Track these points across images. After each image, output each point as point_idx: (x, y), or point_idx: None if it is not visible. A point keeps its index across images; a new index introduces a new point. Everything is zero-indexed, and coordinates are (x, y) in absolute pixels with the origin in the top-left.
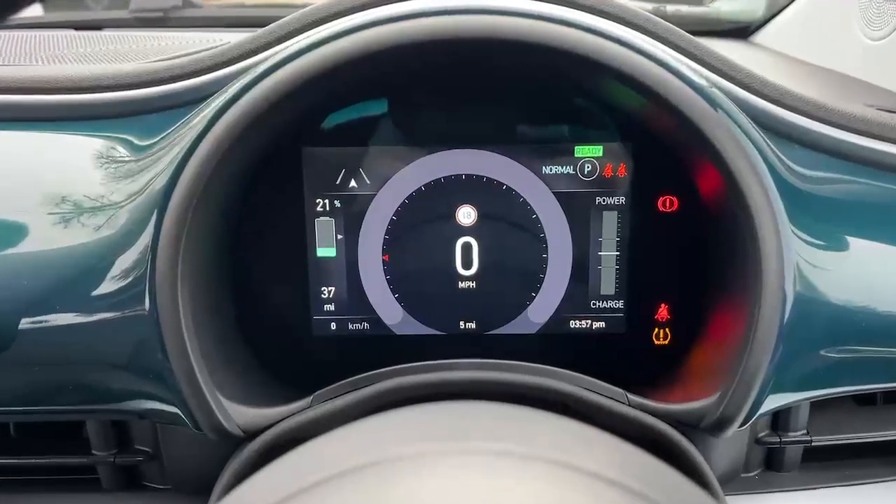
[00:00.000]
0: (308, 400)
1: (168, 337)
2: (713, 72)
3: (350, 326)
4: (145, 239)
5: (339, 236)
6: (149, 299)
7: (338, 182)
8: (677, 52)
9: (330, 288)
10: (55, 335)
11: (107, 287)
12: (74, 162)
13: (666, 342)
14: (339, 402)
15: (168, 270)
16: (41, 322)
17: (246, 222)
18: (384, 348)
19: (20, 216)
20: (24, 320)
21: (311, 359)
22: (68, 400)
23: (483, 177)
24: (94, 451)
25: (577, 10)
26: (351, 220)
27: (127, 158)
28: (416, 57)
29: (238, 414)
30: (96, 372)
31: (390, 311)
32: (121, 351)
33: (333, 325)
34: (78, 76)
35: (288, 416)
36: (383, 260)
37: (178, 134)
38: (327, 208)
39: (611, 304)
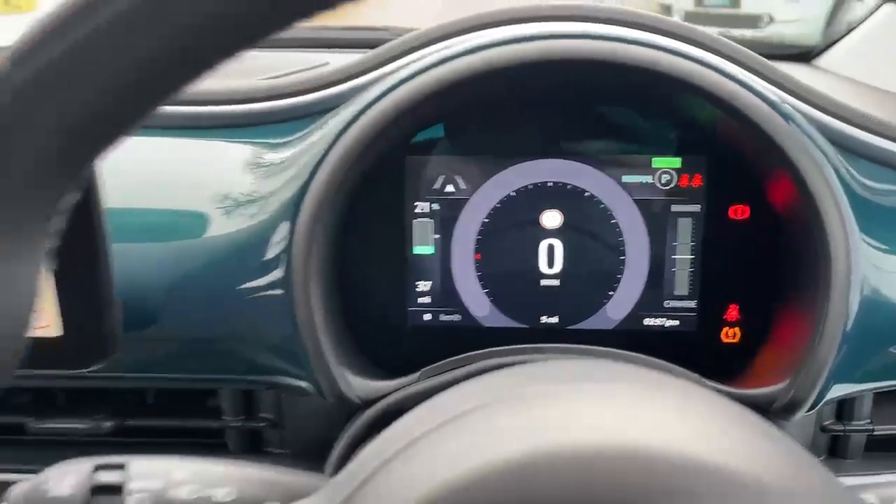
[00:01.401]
0: (416, 375)
1: (301, 317)
2: (783, 90)
3: (442, 318)
4: (283, 232)
5: (436, 236)
6: (285, 285)
7: (436, 187)
8: (752, 73)
9: (426, 282)
10: (204, 312)
11: (249, 273)
12: (230, 161)
13: (734, 340)
14: (448, 377)
15: (303, 260)
16: (192, 302)
17: (353, 220)
18: (472, 339)
19: (179, 208)
20: (175, 300)
21: (405, 347)
22: (210, 369)
23: (567, 184)
24: (224, 417)
25: (671, 38)
26: (447, 221)
27: (271, 160)
28: (532, 75)
29: (358, 385)
30: (236, 346)
31: (479, 305)
32: (258, 328)
33: (427, 316)
34: (236, 90)
35: (400, 388)
36: (475, 258)
37: (311, 140)
38: (426, 210)
39: (684, 303)
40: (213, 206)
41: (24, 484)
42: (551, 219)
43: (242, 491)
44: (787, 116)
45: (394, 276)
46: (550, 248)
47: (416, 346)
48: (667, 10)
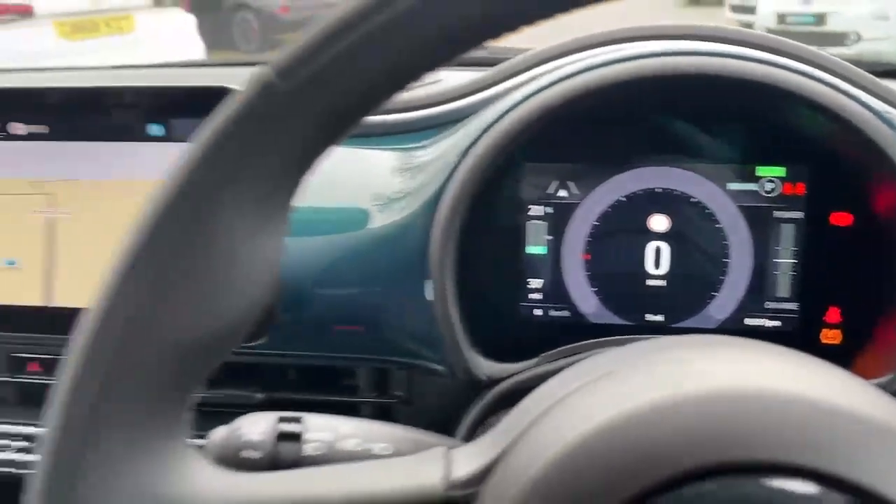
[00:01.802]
0: (534, 360)
1: (438, 304)
2: (888, 104)
3: (551, 313)
4: (423, 228)
5: (548, 237)
6: (425, 275)
7: (550, 191)
8: (858, 87)
9: (537, 280)
10: (354, 298)
11: (394, 263)
12: (380, 166)
13: (835, 342)
14: (566, 362)
15: (439, 257)
16: (344, 289)
17: (473, 219)
18: (579, 333)
19: (345, 206)
20: (331, 287)
21: (516, 339)
22: (353, 350)
23: (675, 190)
24: (360, 394)
25: (781, 55)
26: (559, 223)
27: (411, 164)
28: (654, 88)
29: (486, 366)
30: (378, 330)
31: (587, 302)
32: (399, 313)
33: (538, 311)
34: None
35: (522, 371)
36: (584, 258)
37: (444, 147)
38: (540, 213)
39: (785, 305)
40: (372, 203)
41: (221, 429)
42: (659, 223)
43: (397, 446)
44: (893, 126)
45: (508, 273)
46: (657, 251)
47: (527, 338)
48: (748, 28)
